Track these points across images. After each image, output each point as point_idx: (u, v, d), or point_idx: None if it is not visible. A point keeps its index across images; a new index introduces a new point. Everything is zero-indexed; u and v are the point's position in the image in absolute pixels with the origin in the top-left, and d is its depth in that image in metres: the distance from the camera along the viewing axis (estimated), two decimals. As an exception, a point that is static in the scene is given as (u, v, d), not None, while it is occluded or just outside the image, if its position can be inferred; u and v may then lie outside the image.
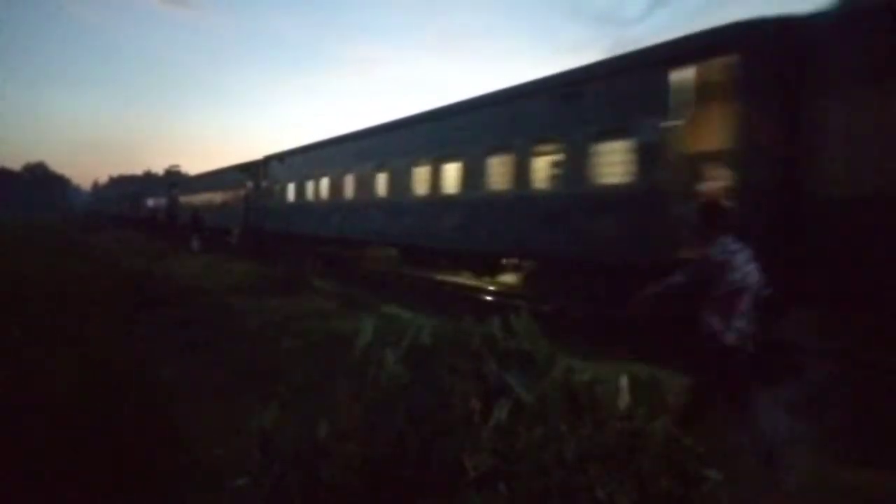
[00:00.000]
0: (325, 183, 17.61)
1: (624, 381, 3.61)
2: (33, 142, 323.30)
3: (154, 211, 45.15)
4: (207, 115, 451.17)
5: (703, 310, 4.11)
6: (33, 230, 36.01)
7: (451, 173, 11.65)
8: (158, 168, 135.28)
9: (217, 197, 29.19)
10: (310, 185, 18.81)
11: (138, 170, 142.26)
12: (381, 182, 14.26)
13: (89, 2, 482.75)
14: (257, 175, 23.46)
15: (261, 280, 13.16)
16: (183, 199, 37.34)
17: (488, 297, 12.30)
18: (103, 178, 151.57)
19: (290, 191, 20.55)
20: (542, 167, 9.77)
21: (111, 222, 54.91)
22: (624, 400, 3.54)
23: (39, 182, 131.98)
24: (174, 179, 39.10)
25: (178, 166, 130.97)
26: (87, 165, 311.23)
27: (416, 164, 12.70)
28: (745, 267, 4.03)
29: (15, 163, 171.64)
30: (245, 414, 3.74)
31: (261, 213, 22.80)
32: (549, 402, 3.32)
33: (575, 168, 8.80)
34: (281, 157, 21.53)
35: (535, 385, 3.38)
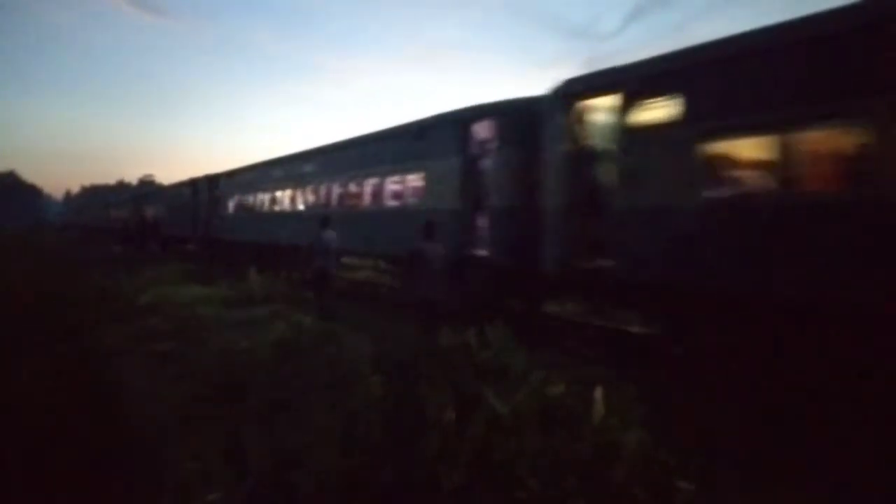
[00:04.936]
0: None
1: (598, 394, 3.64)
2: (3, 150, 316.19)
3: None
4: (182, 125, 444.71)
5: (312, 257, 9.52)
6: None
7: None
8: (132, 178, 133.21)
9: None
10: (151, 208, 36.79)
11: (111, 180, 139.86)
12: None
13: (63, 8, 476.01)
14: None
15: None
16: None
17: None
18: (75, 188, 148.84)
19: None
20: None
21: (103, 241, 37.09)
22: (598, 412, 3.57)
23: (10, 191, 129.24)
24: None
25: (151, 176, 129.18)
26: (59, 175, 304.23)
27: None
28: (325, 237, 9.24)
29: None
30: (217, 427, 3.68)
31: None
32: (523, 414, 3.34)
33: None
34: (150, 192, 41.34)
35: (509, 397, 3.40)
